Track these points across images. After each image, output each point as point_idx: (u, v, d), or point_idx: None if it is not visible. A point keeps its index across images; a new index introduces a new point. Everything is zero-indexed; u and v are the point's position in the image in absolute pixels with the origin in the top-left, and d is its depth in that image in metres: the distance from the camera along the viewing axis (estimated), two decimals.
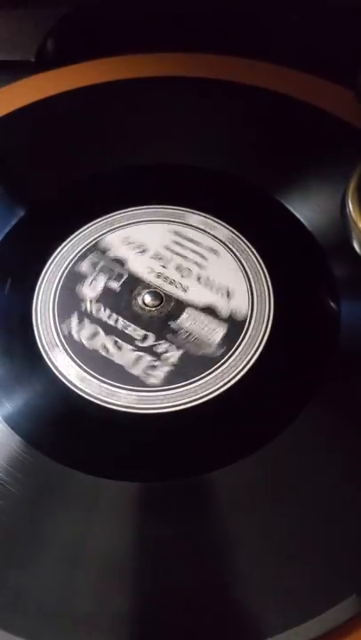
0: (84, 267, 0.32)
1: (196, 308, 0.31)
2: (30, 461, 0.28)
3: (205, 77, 0.37)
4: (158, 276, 0.32)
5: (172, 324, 0.30)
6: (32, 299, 0.32)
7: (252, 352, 0.30)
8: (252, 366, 0.29)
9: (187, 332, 0.30)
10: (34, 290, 0.32)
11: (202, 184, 0.35)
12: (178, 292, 0.31)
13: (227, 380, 0.29)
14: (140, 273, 0.32)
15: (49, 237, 0.33)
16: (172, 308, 0.31)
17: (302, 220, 0.33)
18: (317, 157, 0.35)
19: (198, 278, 0.31)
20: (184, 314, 0.30)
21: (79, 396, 0.29)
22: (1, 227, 0.34)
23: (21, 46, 0.40)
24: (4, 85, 0.39)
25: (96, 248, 0.33)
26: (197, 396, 0.29)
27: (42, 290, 0.32)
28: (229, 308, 0.30)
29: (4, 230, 0.34)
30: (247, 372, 0.29)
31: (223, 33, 0.40)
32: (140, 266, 0.32)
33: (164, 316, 0.31)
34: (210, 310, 0.31)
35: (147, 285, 0.32)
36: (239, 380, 0.29)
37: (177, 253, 0.32)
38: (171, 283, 0.31)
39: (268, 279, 0.31)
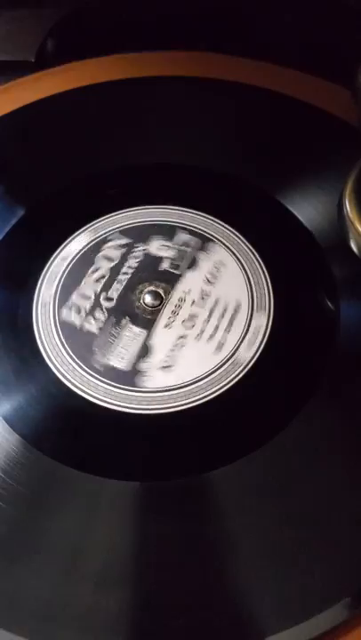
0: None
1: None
2: (30, 461, 0.28)
3: (205, 77, 0.37)
4: (180, 300, 0.31)
5: (124, 322, 0.30)
6: (32, 298, 0.32)
7: (259, 339, 0.30)
8: (251, 366, 0.29)
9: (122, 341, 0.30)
10: (34, 290, 0.32)
11: (202, 184, 0.35)
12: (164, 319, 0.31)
13: (242, 367, 0.29)
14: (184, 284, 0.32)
15: (49, 237, 0.33)
16: (155, 316, 0.31)
17: (302, 219, 0.33)
18: (317, 157, 0.35)
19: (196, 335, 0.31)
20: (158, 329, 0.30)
21: (79, 396, 0.29)
22: (1, 226, 0.34)
23: (22, 46, 0.40)
24: (3, 85, 0.39)
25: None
26: (198, 397, 0.29)
27: (42, 290, 0.32)
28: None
29: (4, 230, 0.34)
30: (247, 373, 0.29)
31: (223, 33, 0.40)
32: (190, 280, 0.32)
33: (141, 312, 0.31)
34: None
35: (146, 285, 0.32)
36: (239, 380, 0.29)
37: (205, 308, 0.31)
38: (174, 312, 0.31)
39: (268, 279, 0.31)
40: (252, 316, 0.30)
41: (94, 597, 0.25)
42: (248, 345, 0.30)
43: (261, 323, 0.30)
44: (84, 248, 0.33)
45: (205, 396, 0.29)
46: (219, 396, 0.29)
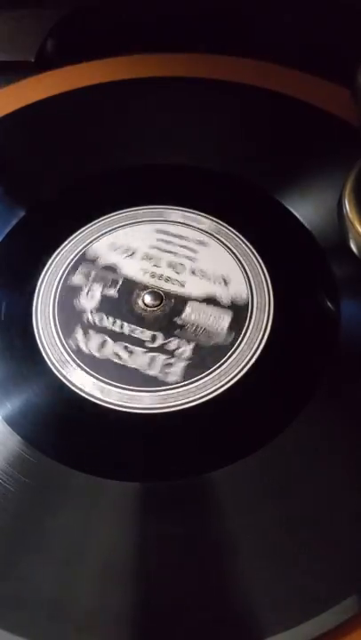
0: (77, 279, 0.32)
1: (197, 300, 0.31)
2: (30, 461, 0.28)
3: (205, 77, 0.37)
4: (153, 275, 0.32)
5: (178, 320, 0.30)
6: (32, 299, 0.32)
7: (259, 337, 0.30)
8: (251, 366, 0.29)
9: (193, 324, 0.30)
10: (34, 290, 0.32)
11: (202, 184, 0.35)
12: (176, 288, 0.31)
13: (241, 366, 0.29)
14: (134, 276, 0.32)
15: (49, 237, 0.33)
16: (173, 304, 0.31)
17: (302, 219, 0.33)
18: (317, 157, 0.35)
19: (193, 271, 0.31)
20: (187, 308, 0.31)
21: (79, 396, 0.29)
22: (1, 227, 0.34)
23: (22, 46, 0.40)
24: (4, 85, 0.39)
25: (84, 259, 0.33)
26: (198, 396, 0.29)
27: (42, 290, 0.32)
28: (230, 294, 0.30)
29: (4, 230, 0.34)
30: (246, 373, 0.29)
31: (223, 33, 0.40)
32: (132, 269, 0.32)
33: (167, 313, 0.31)
34: (211, 300, 0.31)
35: (144, 287, 0.32)
36: (239, 380, 0.29)
37: (166, 251, 0.32)
38: (167, 280, 0.31)
39: (269, 279, 0.31)
40: (252, 298, 0.31)
41: (94, 597, 0.25)
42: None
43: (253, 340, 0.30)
44: (72, 260, 0.33)
45: (205, 396, 0.29)
46: (219, 396, 0.29)
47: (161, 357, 0.30)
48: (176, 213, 0.33)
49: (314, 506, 0.26)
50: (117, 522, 0.27)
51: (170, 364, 0.29)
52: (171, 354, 0.30)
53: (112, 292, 0.31)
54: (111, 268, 0.32)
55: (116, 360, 0.30)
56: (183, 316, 0.31)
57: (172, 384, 0.29)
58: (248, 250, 0.32)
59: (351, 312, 0.30)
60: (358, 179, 0.30)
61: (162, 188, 0.34)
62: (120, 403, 0.29)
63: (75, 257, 0.33)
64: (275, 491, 0.27)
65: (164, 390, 0.29)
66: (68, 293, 0.32)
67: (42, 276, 0.32)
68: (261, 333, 0.30)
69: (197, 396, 0.29)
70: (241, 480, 0.27)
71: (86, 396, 0.29)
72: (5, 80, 0.39)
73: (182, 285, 0.31)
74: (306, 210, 0.33)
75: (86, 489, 0.27)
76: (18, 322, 0.31)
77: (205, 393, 0.29)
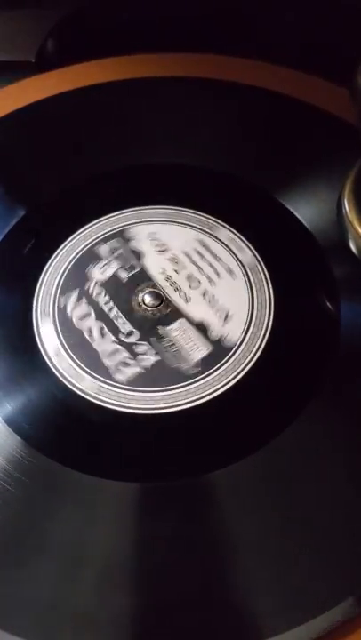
0: (103, 250, 0.32)
1: (189, 320, 0.30)
2: (30, 461, 0.28)
3: (205, 77, 0.37)
4: (168, 279, 0.31)
5: (160, 330, 0.30)
6: (32, 299, 0.32)
7: (260, 337, 0.30)
8: (251, 366, 0.29)
9: (171, 341, 0.30)
10: (34, 289, 0.32)
11: (202, 184, 0.35)
12: (179, 301, 0.31)
13: (242, 366, 0.29)
14: (151, 270, 0.32)
15: (50, 237, 0.33)
16: (167, 313, 0.31)
17: (302, 220, 0.33)
18: (317, 157, 0.35)
19: (204, 293, 0.31)
20: (176, 323, 0.30)
21: (79, 396, 0.29)
22: (1, 227, 0.34)
23: (22, 47, 0.40)
24: (4, 86, 0.39)
25: (121, 235, 0.33)
26: (198, 396, 0.29)
27: (42, 290, 0.32)
28: (221, 331, 0.30)
29: (4, 230, 0.34)
30: (247, 373, 0.29)
31: (223, 33, 0.40)
32: (154, 264, 0.32)
33: (156, 318, 0.31)
34: (202, 328, 0.30)
35: (153, 285, 0.32)
36: (239, 380, 0.29)
37: (194, 263, 0.32)
38: (176, 289, 0.31)
39: (269, 279, 0.31)
40: (240, 346, 0.30)
41: (94, 598, 0.25)
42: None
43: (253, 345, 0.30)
44: (109, 232, 0.33)
45: (205, 396, 0.29)
46: (219, 395, 0.29)
47: (123, 354, 0.30)
48: (225, 232, 0.33)
49: (314, 506, 0.26)
50: (117, 522, 0.27)
51: (126, 364, 0.29)
52: (134, 355, 0.30)
53: (124, 275, 0.31)
54: (137, 254, 0.32)
55: (86, 335, 0.30)
56: (168, 328, 0.30)
57: (115, 382, 0.29)
58: (248, 250, 0.32)
59: (351, 312, 0.30)
60: (358, 179, 0.30)
61: (161, 189, 0.35)
62: (59, 369, 0.29)
63: (112, 230, 0.33)
64: (275, 491, 0.27)
65: (107, 384, 0.29)
66: (85, 260, 0.32)
67: (42, 276, 0.32)
68: (262, 333, 0.30)
69: (197, 396, 0.29)
70: (241, 480, 0.27)
71: (87, 397, 0.29)
72: (5, 80, 0.39)
73: (186, 301, 0.31)
74: (306, 210, 0.33)
75: (86, 489, 0.27)
76: (18, 322, 0.31)
77: (206, 393, 0.29)
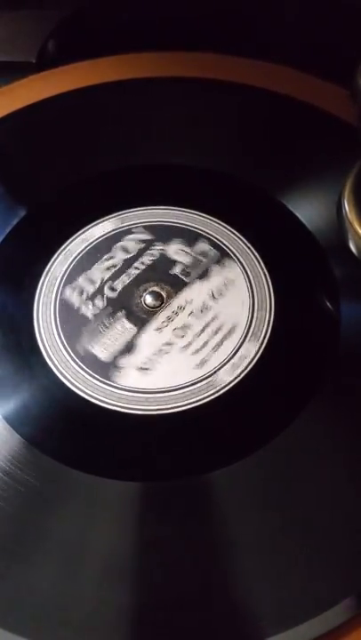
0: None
1: (163, 343, 0.30)
2: (30, 461, 0.28)
3: (205, 77, 0.37)
4: (179, 308, 0.31)
5: (131, 315, 0.31)
6: (33, 299, 0.32)
7: (260, 337, 0.30)
8: (251, 366, 0.29)
9: (130, 331, 0.30)
10: (35, 290, 0.32)
11: (201, 184, 0.35)
12: (176, 304, 0.31)
13: (242, 366, 0.29)
14: (173, 258, 0.32)
15: (50, 237, 0.33)
16: (151, 313, 0.31)
17: (302, 219, 0.33)
18: (317, 157, 0.35)
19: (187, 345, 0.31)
20: (151, 325, 0.31)
21: (79, 396, 0.29)
22: (2, 227, 0.34)
23: (23, 47, 0.40)
24: (5, 86, 0.39)
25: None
26: (198, 396, 0.29)
27: (43, 290, 0.32)
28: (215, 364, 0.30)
29: (5, 230, 0.34)
30: (247, 373, 0.29)
31: (223, 33, 0.40)
32: (176, 255, 0.32)
33: (140, 308, 0.31)
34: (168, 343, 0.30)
35: (160, 279, 0.32)
36: (239, 380, 0.29)
37: (201, 321, 0.31)
38: (171, 318, 0.31)
39: (269, 279, 0.31)
40: (243, 341, 0.30)
41: (94, 597, 0.25)
42: (231, 368, 0.29)
43: (250, 351, 0.30)
44: (103, 235, 0.33)
45: (205, 397, 0.29)
46: (219, 396, 0.29)
47: (96, 308, 0.31)
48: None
49: (314, 506, 0.26)
50: (117, 521, 0.27)
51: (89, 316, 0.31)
52: (100, 319, 0.31)
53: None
54: (172, 262, 0.32)
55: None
56: (142, 328, 0.30)
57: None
58: (248, 250, 0.32)
59: (351, 312, 0.30)
60: (358, 179, 0.30)
61: (160, 188, 0.35)
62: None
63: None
64: (275, 491, 0.27)
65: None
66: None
67: (43, 276, 0.32)
68: (262, 334, 0.30)
69: (198, 397, 0.29)
70: (241, 480, 0.27)
71: (88, 397, 0.29)
72: (6, 80, 0.39)
73: (181, 309, 0.31)
74: (306, 210, 0.33)
75: (86, 489, 0.27)
76: (18, 322, 0.31)
77: (206, 393, 0.29)
